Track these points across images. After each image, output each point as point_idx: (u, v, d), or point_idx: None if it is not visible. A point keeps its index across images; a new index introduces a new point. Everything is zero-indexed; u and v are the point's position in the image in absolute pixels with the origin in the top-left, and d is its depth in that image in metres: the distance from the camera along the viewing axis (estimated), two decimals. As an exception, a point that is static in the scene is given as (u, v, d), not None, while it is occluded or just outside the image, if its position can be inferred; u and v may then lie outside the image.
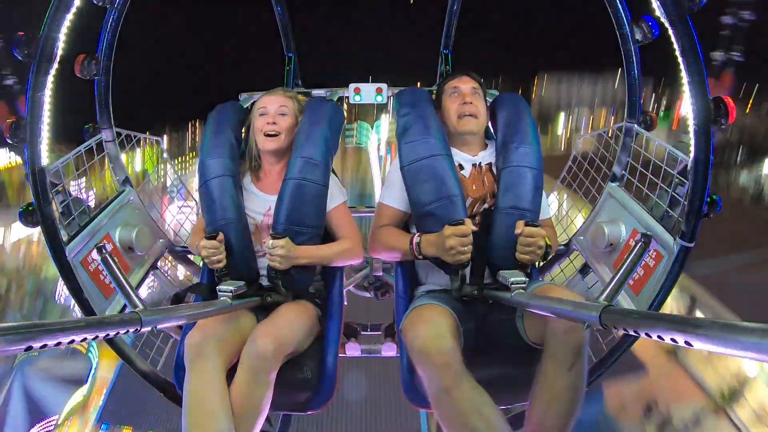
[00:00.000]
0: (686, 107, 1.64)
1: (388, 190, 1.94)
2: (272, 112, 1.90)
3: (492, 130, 2.15)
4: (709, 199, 1.66)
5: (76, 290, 1.82)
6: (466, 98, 1.92)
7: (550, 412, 1.44)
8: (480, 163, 1.92)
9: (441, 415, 1.44)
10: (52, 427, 9.17)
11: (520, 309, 1.64)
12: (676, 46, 1.60)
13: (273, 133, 1.87)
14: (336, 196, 1.91)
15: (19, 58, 1.57)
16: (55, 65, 1.64)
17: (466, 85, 1.97)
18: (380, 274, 2.61)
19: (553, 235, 1.97)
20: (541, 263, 2.45)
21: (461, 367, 1.43)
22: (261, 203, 1.90)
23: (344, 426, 8.59)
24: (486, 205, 1.86)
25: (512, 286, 1.44)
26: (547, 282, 1.74)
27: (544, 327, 1.47)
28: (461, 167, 1.89)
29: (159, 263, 2.37)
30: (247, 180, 1.95)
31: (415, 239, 1.72)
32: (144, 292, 2.35)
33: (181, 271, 2.73)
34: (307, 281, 1.87)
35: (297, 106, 1.98)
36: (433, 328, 1.47)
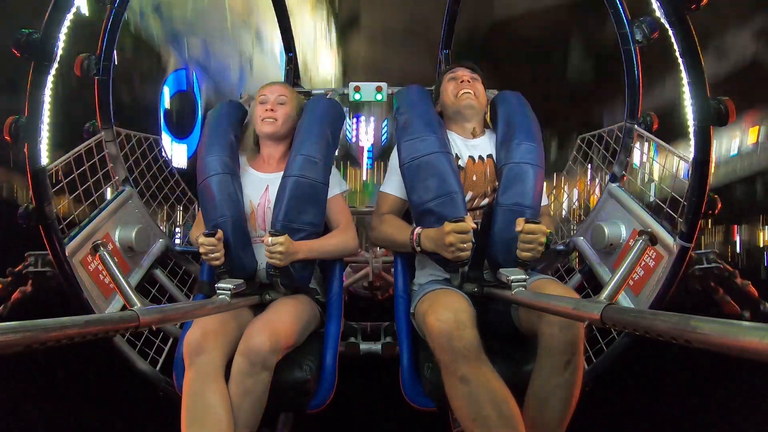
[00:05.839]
0: (687, 107, 1.64)
1: (389, 178, 1.94)
2: (272, 100, 1.94)
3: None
4: (708, 200, 1.66)
5: (76, 290, 1.82)
6: (464, 78, 1.96)
7: (545, 411, 1.43)
8: (481, 155, 1.91)
9: (455, 403, 1.42)
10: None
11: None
12: (676, 46, 1.60)
13: (271, 119, 1.90)
14: (333, 187, 1.92)
15: (19, 57, 1.57)
16: (55, 65, 1.64)
17: (464, 71, 2.00)
18: (380, 273, 2.62)
19: (549, 223, 1.97)
20: (542, 264, 2.47)
21: (481, 354, 1.41)
22: (258, 183, 1.91)
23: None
24: (486, 200, 1.85)
25: (513, 284, 1.43)
26: (543, 276, 1.73)
27: (537, 320, 1.45)
28: (458, 158, 1.88)
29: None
30: (245, 165, 1.97)
31: (416, 231, 1.72)
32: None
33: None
34: (306, 276, 1.87)
35: (296, 97, 2.03)
36: (455, 313, 1.45)
